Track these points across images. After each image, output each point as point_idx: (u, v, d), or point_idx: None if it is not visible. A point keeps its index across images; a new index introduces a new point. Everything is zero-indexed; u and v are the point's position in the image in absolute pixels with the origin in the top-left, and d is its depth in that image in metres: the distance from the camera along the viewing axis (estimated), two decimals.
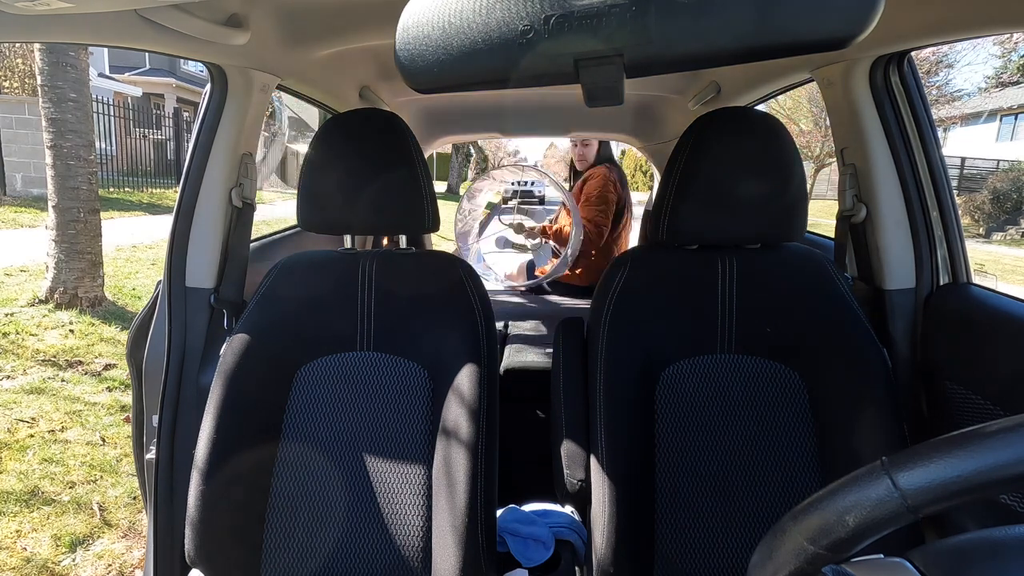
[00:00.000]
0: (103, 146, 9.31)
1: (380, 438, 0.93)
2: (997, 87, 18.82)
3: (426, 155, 2.47)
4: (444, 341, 0.93)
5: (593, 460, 0.91)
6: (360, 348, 0.97)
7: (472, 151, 21.64)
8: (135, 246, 5.87)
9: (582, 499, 0.96)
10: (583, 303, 2.28)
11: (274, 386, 0.94)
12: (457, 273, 0.98)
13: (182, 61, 13.67)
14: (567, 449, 0.97)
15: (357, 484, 0.91)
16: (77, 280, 3.71)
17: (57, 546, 1.75)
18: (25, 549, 1.72)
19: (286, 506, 0.91)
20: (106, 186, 9.17)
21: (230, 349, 0.92)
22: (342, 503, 0.90)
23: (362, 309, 0.97)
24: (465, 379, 0.89)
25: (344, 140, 0.94)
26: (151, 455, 1.06)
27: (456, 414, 0.87)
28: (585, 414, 0.96)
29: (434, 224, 0.98)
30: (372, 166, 0.93)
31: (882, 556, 0.36)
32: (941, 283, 1.04)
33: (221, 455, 0.87)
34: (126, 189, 9.83)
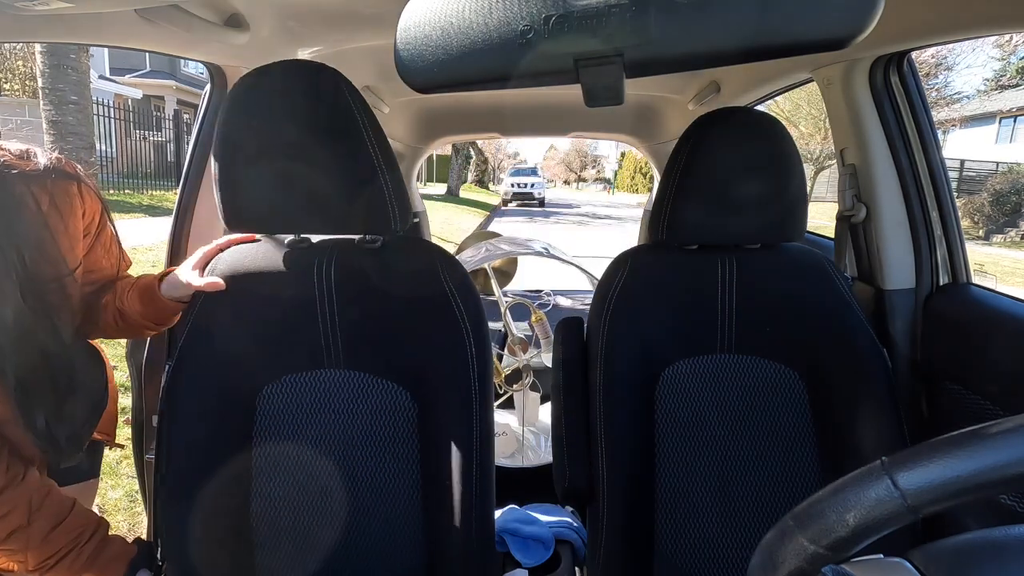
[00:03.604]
0: (103, 148, 9.31)
1: (364, 463, 0.84)
2: (996, 89, 18.85)
3: (425, 156, 2.48)
4: (426, 354, 0.82)
5: (593, 460, 0.91)
6: (330, 366, 0.83)
7: (472, 153, 21.68)
8: (135, 248, 5.86)
9: (582, 499, 0.96)
10: (583, 303, 2.28)
11: (232, 418, 0.81)
12: (434, 267, 0.83)
13: (182, 63, 13.70)
14: (567, 449, 0.97)
15: (343, 509, 0.84)
16: None
17: None
18: None
19: (271, 540, 0.83)
20: (106, 188, 9.18)
21: (169, 391, 0.80)
22: (328, 533, 0.84)
23: (324, 319, 0.81)
24: (454, 396, 0.81)
25: (263, 105, 0.73)
26: (151, 456, 1.06)
27: (446, 436, 0.81)
28: (585, 414, 0.95)
29: (402, 220, 0.79)
30: (304, 141, 0.73)
31: (882, 556, 0.36)
32: (941, 283, 1.04)
33: (188, 502, 0.78)
34: (126, 191, 9.82)
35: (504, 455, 1.71)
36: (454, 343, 0.81)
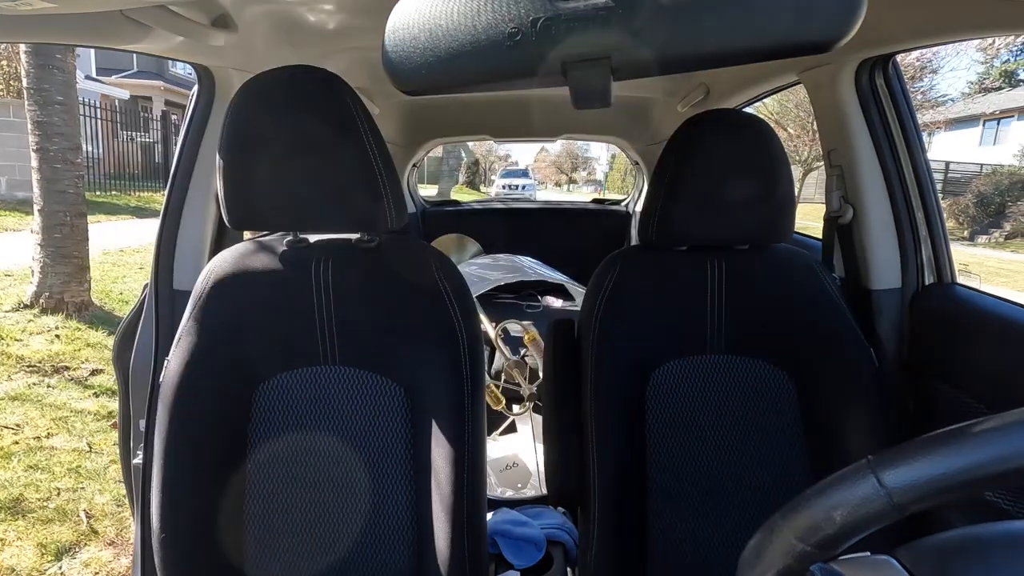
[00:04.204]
0: (90, 149, 9.21)
1: (357, 459, 0.85)
2: (980, 92, 19.12)
3: (416, 158, 2.48)
4: (420, 353, 0.84)
5: (584, 461, 0.91)
6: (325, 362, 0.85)
7: (463, 155, 21.66)
8: (122, 250, 5.80)
9: (574, 500, 0.96)
10: (574, 304, 2.29)
11: (230, 413, 0.83)
12: (429, 269, 0.85)
13: (170, 63, 13.57)
14: (559, 450, 0.97)
15: (336, 507, 0.85)
16: (63, 285, 3.66)
17: (43, 555, 1.72)
18: (11, 558, 1.69)
19: (263, 536, 0.84)
20: (93, 189, 9.07)
21: (168, 382, 0.80)
22: (322, 527, 0.85)
23: (320, 317, 0.84)
24: (446, 396, 0.82)
25: (265, 109, 0.77)
26: (138, 460, 1.05)
27: (438, 432, 0.82)
28: (576, 415, 0.95)
29: (398, 219, 0.81)
30: (301, 143, 0.76)
31: (869, 554, 0.36)
32: (926, 283, 1.05)
33: (180, 500, 0.78)
34: (113, 192, 9.72)
35: (515, 487, 1.66)
36: (447, 340, 0.83)
